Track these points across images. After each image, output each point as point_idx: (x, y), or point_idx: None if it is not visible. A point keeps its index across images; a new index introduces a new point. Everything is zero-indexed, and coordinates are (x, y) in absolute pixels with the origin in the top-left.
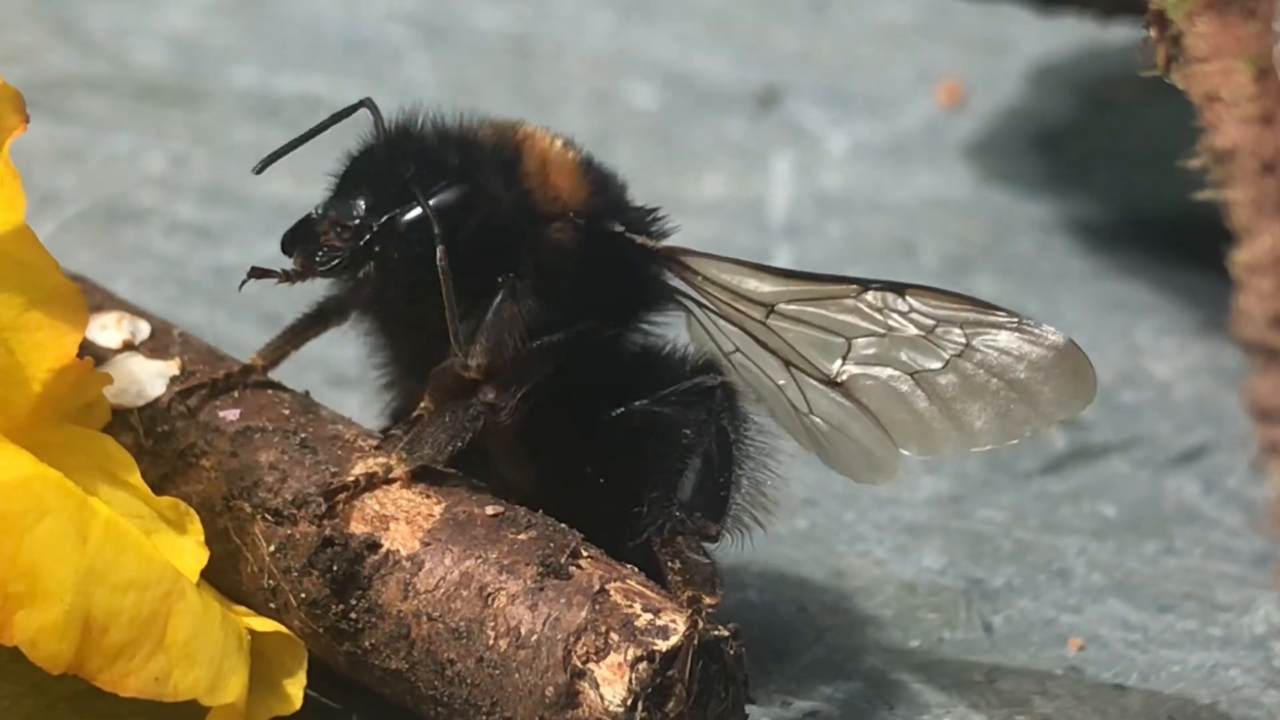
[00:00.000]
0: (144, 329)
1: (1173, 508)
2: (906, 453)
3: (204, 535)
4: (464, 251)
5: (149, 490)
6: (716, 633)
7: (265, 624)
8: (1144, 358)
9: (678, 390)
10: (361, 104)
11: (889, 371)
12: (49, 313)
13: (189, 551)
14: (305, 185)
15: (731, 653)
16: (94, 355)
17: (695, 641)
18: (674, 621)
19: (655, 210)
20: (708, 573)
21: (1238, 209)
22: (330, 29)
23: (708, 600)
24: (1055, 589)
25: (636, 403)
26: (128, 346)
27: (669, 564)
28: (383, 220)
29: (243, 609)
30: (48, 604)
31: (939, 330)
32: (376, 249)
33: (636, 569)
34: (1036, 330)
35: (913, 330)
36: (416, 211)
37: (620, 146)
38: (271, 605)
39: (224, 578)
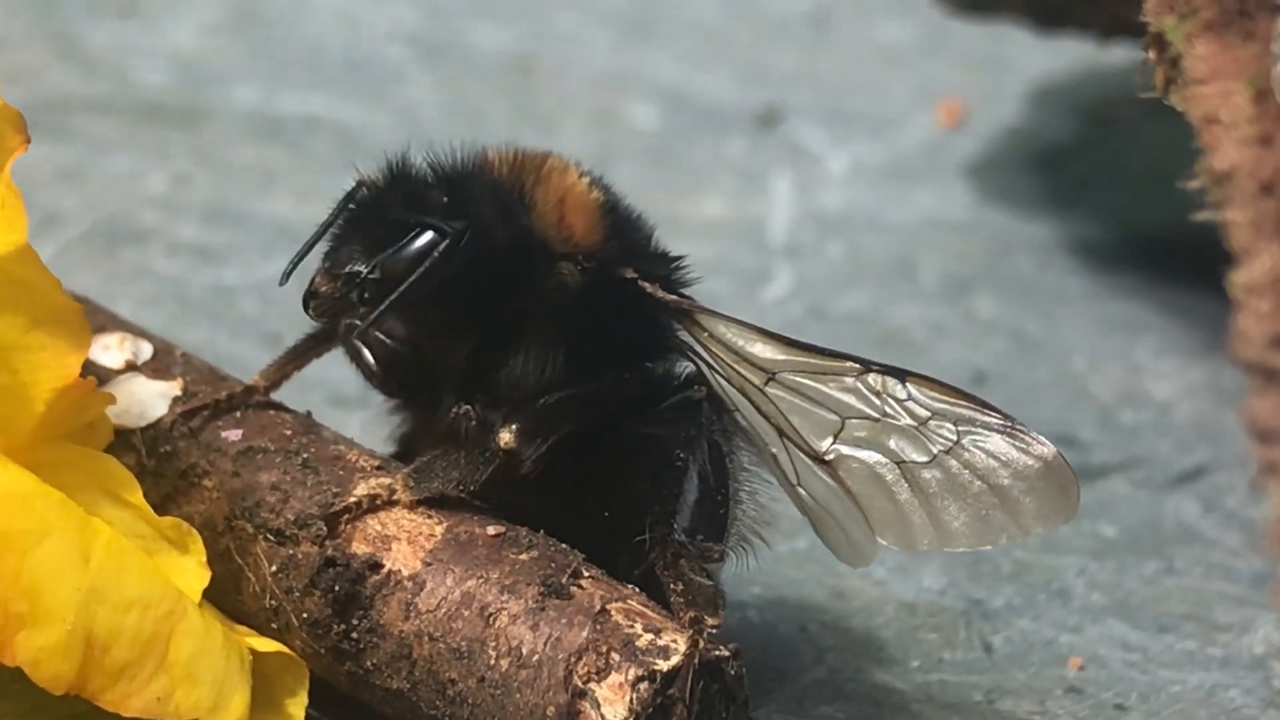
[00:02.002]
0: (146, 349)
1: (1172, 528)
2: (883, 541)
3: (206, 555)
4: (460, 286)
5: (151, 510)
6: (717, 653)
7: (267, 644)
8: (1144, 378)
9: (665, 407)
10: (359, 185)
11: (876, 457)
12: (52, 333)
13: (191, 571)
14: (306, 204)
15: (732, 673)
16: (96, 376)
17: (696, 661)
18: (675, 641)
19: (677, 259)
20: (710, 594)
21: (1236, 230)
22: (331, 49)
23: (710, 621)
24: (1055, 609)
25: (626, 423)
26: (130, 367)
27: (671, 585)
28: (372, 264)
29: (245, 629)
30: (50, 624)
31: (932, 423)
32: (366, 293)
33: (637, 589)
34: (1027, 438)
35: (906, 420)
36: (413, 245)
37: (620, 166)
38: (273, 625)
39: (226, 598)
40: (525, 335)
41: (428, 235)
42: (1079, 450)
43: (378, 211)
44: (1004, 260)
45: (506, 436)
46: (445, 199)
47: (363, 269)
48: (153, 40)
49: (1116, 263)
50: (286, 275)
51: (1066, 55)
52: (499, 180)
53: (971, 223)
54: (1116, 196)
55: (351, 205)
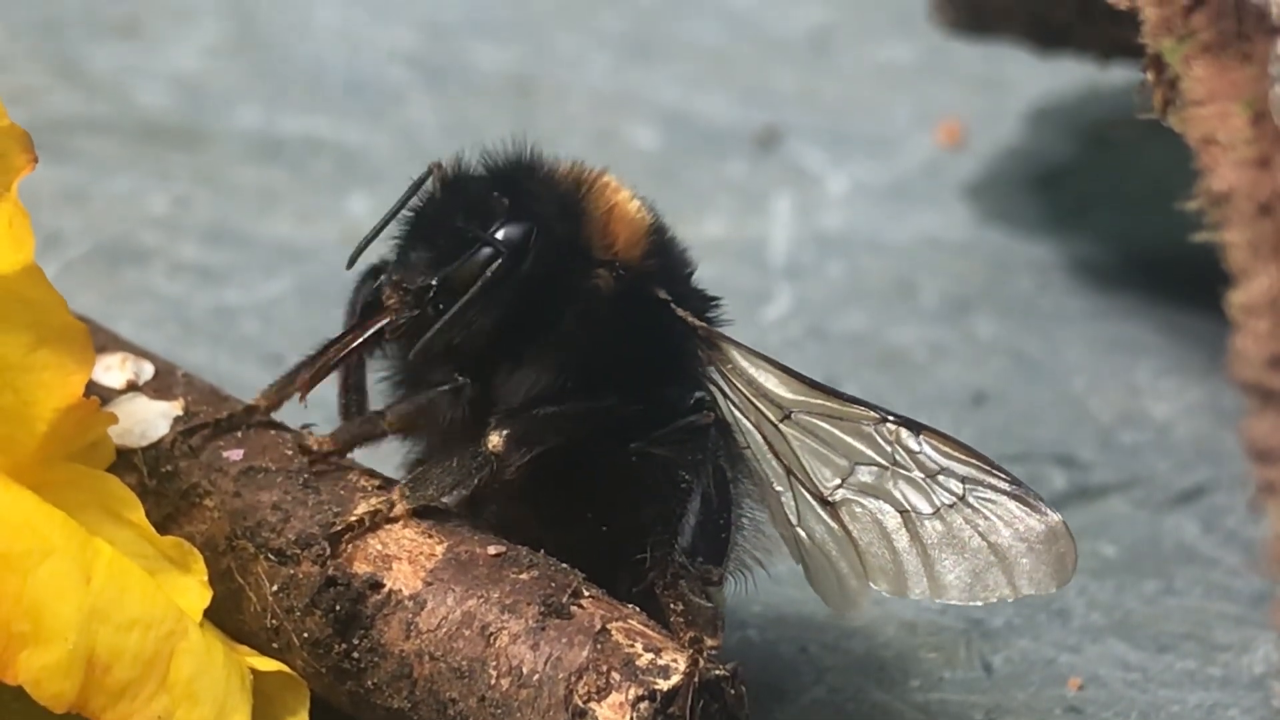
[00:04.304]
0: (148, 370)
1: (1172, 547)
2: (875, 586)
3: (207, 575)
4: (515, 287)
5: (153, 530)
6: (717, 672)
7: (268, 663)
8: (1143, 398)
9: (672, 430)
10: (429, 173)
11: (880, 504)
12: (56, 352)
13: (192, 591)
14: (307, 225)
15: (732, 692)
16: (98, 396)
17: (696, 680)
18: (675, 661)
19: (714, 299)
20: (710, 615)
21: (1234, 251)
22: (332, 70)
23: (709, 642)
24: (1055, 629)
25: (632, 444)
26: (132, 387)
27: (671, 605)
28: (443, 273)
29: (245, 648)
30: (51, 643)
31: (940, 477)
32: (441, 306)
33: (638, 609)
34: (1032, 502)
35: (915, 471)
36: (476, 259)
37: None
38: (274, 645)
39: (227, 617)
40: (547, 335)
41: (489, 249)
42: (1078, 470)
43: (440, 219)
44: (1004, 281)
45: (495, 440)
46: (506, 202)
47: (433, 283)
48: (154, 61)
49: (1116, 283)
50: (353, 260)
51: (1066, 76)
52: (556, 181)
53: (971, 243)
54: (1116, 217)
55: (412, 213)
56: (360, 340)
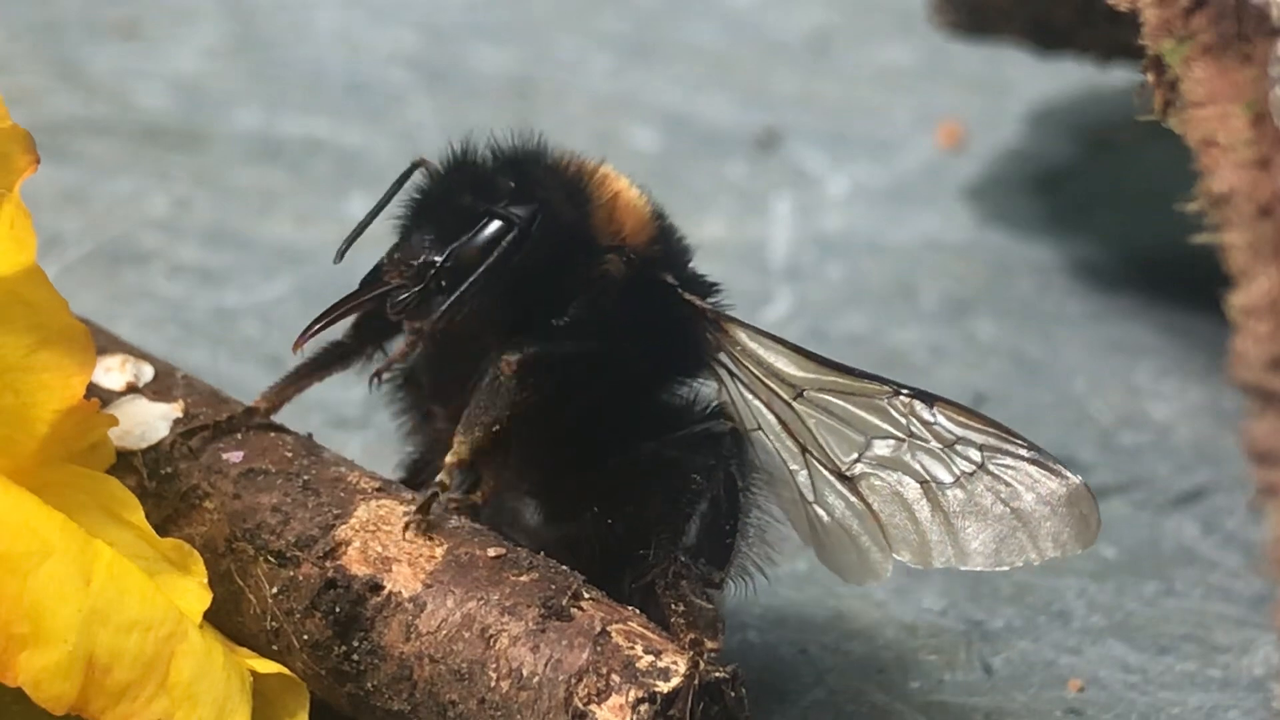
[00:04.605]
0: (148, 371)
1: (1172, 549)
2: (899, 558)
3: (207, 577)
4: (519, 268)
5: (152, 532)
6: (717, 674)
7: (268, 665)
8: (1143, 399)
9: (688, 435)
10: (415, 165)
11: (899, 476)
12: (57, 353)
13: (192, 593)
14: (307, 226)
15: (732, 694)
16: (98, 398)
17: (696, 683)
18: (675, 663)
19: (715, 284)
20: (710, 617)
21: (1235, 252)
22: (332, 72)
23: (709, 644)
24: (1055, 630)
25: (646, 444)
26: (131, 389)
27: (672, 606)
28: (448, 250)
29: (245, 650)
30: (51, 645)
31: (958, 446)
32: (444, 282)
33: (638, 611)
34: (1052, 466)
35: (933, 442)
36: (485, 232)
37: None
38: (274, 647)
39: (227, 619)
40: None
41: (499, 222)
42: (1079, 472)
43: (445, 199)
44: (1004, 282)
45: (510, 358)
46: (512, 184)
47: (438, 258)
48: (154, 63)
49: (1116, 285)
50: (341, 253)
51: (1066, 78)
52: (561, 169)
53: (971, 245)
54: (1116, 218)
55: (416, 194)
56: (357, 302)
